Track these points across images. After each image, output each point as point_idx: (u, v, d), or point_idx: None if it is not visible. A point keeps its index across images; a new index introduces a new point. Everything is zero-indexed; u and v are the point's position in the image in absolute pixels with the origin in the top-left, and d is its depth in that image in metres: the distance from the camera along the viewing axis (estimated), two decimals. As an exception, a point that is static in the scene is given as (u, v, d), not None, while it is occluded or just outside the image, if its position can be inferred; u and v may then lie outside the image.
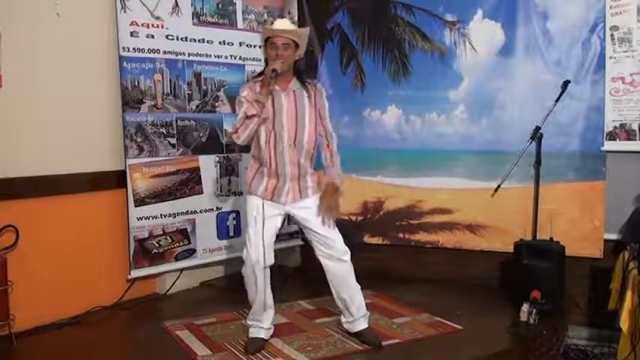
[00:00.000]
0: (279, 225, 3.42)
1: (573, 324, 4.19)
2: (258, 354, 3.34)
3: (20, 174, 3.66)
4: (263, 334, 3.47)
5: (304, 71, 3.54)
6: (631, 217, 4.04)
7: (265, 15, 4.89)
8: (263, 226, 3.28)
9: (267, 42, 3.28)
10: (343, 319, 3.59)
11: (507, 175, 4.31)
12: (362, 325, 3.54)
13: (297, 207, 3.38)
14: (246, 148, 4.69)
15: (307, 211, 3.38)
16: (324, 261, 3.42)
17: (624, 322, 3.26)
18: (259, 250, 3.26)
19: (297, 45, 3.29)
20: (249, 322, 3.49)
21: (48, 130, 3.82)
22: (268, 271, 3.36)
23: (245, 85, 3.41)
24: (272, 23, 3.44)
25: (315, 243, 3.42)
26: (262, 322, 3.46)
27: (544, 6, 4.38)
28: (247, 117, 3.18)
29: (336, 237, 3.40)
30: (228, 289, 4.66)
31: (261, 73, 3.34)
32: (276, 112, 3.28)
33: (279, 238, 4.91)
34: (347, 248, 3.42)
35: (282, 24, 3.32)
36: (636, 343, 3.09)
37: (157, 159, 4.32)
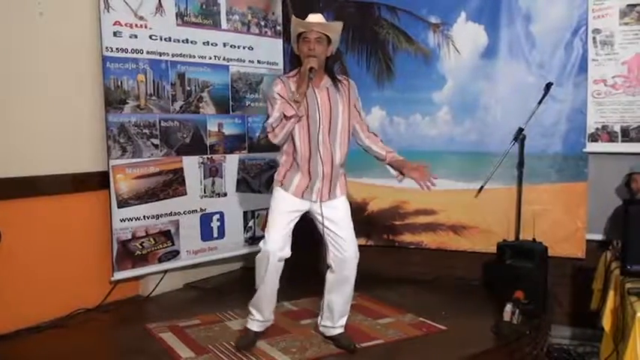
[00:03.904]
0: (297, 219, 3.38)
1: (556, 323, 4.24)
2: (242, 356, 3.32)
3: (2, 175, 3.61)
4: (257, 327, 3.48)
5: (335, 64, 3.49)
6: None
7: (249, 16, 4.87)
8: (283, 220, 3.28)
9: (300, 37, 3.22)
10: (321, 322, 3.58)
11: (491, 176, 4.36)
12: (338, 330, 3.53)
13: (325, 206, 3.33)
14: (230, 150, 4.75)
15: (334, 211, 3.35)
16: (334, 263, 3.38)
17: (606, 322, 3.31)
18: (277, 240, 3.25)
19: (329, 41, 3.24)
20: (250, 310, 3.48)
21: (30, 130, 3.78)
22: (282, 265, 3.33)
23: (277, 80, 3.31)
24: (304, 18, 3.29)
25: (330, 243, 3.36)
26: (261, 312, 3.45)
27: (527, 9, 4.41)
28: (285, 117, 3.12)
29: (352, 241, 3.38)
30: (212, 290, 4.66)
31: (294, 70, 3.32)
32: (310, 110, 3.22)
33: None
34: (358, 254, 3.40)
35: (315, 18, 3.24)
36: (618, 342, 3.12)
37: (140, 160, 4.29)
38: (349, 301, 3.51)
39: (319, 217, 3.34)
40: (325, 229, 3.35)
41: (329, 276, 3.43)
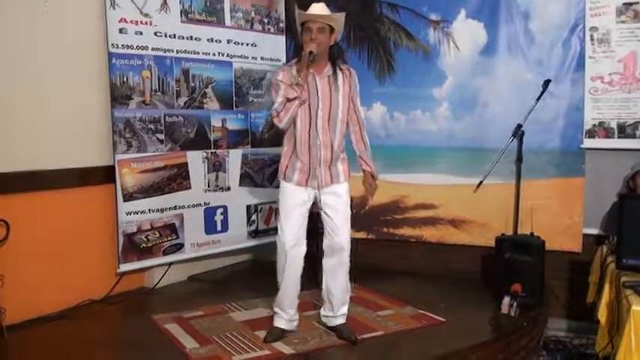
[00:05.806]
0: (308, 210, 3.47)
1: (553, 316, 4.30)
2: (245, 347, 3.38)
3: (11, 169, 3.67)
4: (283, 324, 3.53)
5: (338, 56, 3.55)
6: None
7: (253, 13, 4.92)
8: (294, 214, 3.37)
9: (303, 26, 3.31)
10: (322, 312, 3.64)
11: (490, 171, 4.41)
12: (339, 320, 3.59)
13: (327, 191, 3.43)
14: (233, 145, 4.81)
15: (334, 197, 3.44)
16: (326, 248, 3.47)
17: (602, 314, 3.35)
18: (291, 233, 3.36)
19: (332, 30, 3.32)
20: (274, 309, 3.56)
21: (38, 125, 3.84)
22: (301, 262, 3.44)
23: (280, 68, 3.45)
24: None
25: (326, 230, 3.48)
26: (284, 311, 3.51)
27: (526, 7, 4.46)
28: (288, 100, 3.24)
29: (345, 230, 3.47)
30: (216, 282, 4.72)
31: (296, 58, 3.39)
32: (311, 96, 3.32)
33: (270, 232, 4.99)
34: (349, 245, 3.49)
35: (318, 9, 3.31)
36: (613, 334, 3.16)
37: (145, 154, 4.35)
38: (346, 289, 3.56)
39: (320, 204, 3.45)
40: (323, 214, 3.46)
41: (323, 263, 3.52)
